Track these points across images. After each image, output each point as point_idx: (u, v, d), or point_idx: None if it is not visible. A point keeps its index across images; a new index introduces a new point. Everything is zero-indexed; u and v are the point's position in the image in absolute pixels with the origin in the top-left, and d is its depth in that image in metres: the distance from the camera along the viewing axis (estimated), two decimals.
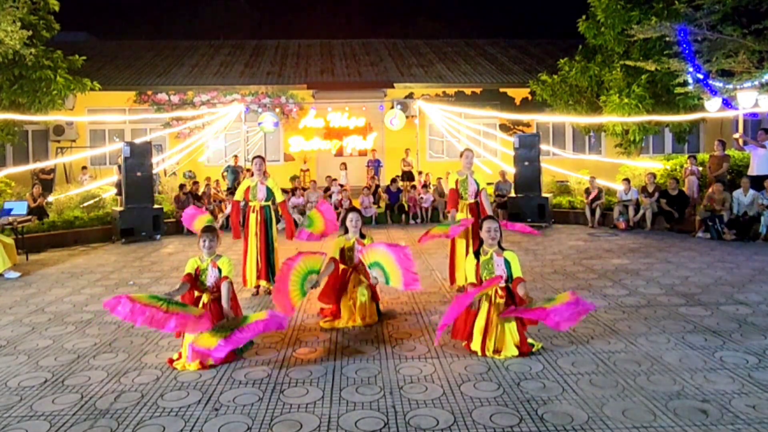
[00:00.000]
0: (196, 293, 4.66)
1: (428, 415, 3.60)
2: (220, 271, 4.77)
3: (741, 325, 5.25)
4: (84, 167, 16.60)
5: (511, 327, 4.55)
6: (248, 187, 6.99)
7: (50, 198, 13.07)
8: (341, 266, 5.74)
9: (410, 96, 18.91)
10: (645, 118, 13.60)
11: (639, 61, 13.28)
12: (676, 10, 12.53)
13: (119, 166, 12.68)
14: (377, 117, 17.98)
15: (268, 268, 6.86)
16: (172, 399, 3.93)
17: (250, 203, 6.95)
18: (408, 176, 16.09)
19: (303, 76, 20.18)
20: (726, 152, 11.75)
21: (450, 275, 6.95)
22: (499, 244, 4.85)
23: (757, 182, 10.31)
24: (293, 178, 16.40)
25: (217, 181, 15.21)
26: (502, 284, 4.67)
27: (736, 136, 12.22)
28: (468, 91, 19.51)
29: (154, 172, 13.06)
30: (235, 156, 16.87)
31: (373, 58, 22.60)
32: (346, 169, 16.73)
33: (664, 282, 6.98)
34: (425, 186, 14.28)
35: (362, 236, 5.84)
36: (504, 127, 18.86)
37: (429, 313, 5.91)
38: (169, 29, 30.54)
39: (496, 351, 4.55)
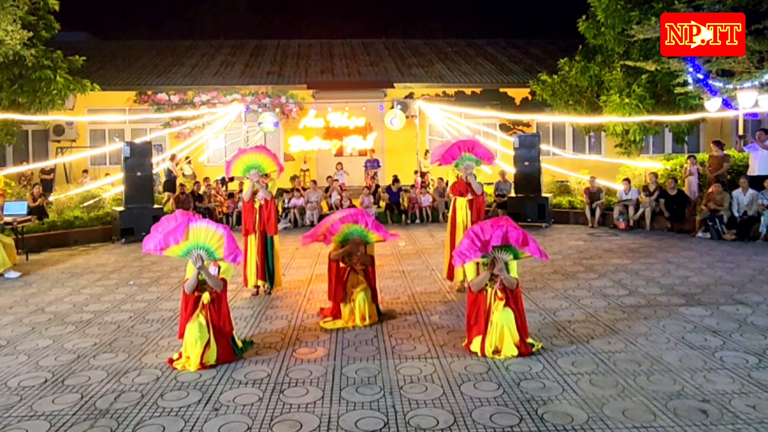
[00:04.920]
0: (196, 293, 4.66)
1: (428, 415, 3.60)
2: (220, 269, 4.77)
3: (741, 325, 5.25)
4: (85, 170, 16.60)
5: (511, 327, 4.55)
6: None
7: (50, 198, 13.07)
8: (341, 265, 5.75)
9: (410, 96, 18.90)
10: (645, 118, 13.59)
11: (639, 61, 13.27)
12: (676, 10, 12.52)
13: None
14: (377, 117, 17.97)
15: (266, 267, 6.85)
16: (172, 399, 3.93)
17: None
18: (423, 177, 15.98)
19: (303, 76, 20.17)
20: (725, 152, 11.75)
21: (448, 271, 6.94)
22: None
23: (757, 182, 10.31)
24: (293, 178, 16.39)
25: (216, 180, 15.18)
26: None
27: (745, 136, 12.26)
28: (468, 91, 19.51)
29: (153, 172, 13.05)
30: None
31: (373, 58, 22.59)
32: (342, 169, 16.72)
33: (664, 282, 6.98)
34: (423, 186, 14.26)
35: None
36: (504, 127, 18.85)
37: (429, 313, 5.91)
38: (169, 29, 30.55)
39: (496, 351, 4.56)
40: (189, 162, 16.73)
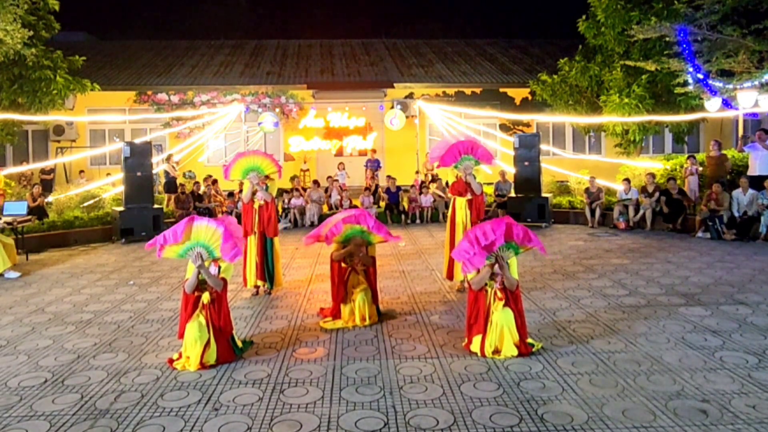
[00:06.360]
0: (196, 293, 4.66)
1: (428, 415, 3.60)
2: (220, 269, 4.77)
3: (741, 325, 5.25)
4: (81, 171, 16.59)
5: (511, 327, 4.55)
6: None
7: (50, 198, 13.07)
8: (342, 265, 5.75)
9: (410, 96, 18.90)
10: (645, 118, 13.60)
11: (639, 61, 13.27)
12: (676, 10, 12.52)
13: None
14: (377, 117, 17.97)
15: (265, 268, 6.85)
16: (172, 399, 3.93)
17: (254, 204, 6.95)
18: (432, 179, 15.91)
19: (303, 76, 20.17)
20: (722, 152, 11.76)
21: (448, 270, 6.94)
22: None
23: (757, 182, 10.31)
24: (293, 178, 16.38)
25: (215, 179, 15.18)
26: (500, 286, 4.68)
27: (748, 136, 12.29)
28: (468, 91, 19.51)
29: (153, 172, 13.05)
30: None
31: (373, 58, 22.59)
32: (344, 169, 16.70)
33: (664, 282, 6.98)
34: (422, 186, 14.24)
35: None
36: (504, 127, 18.85)
37: (429, 313, 5.91)
38: (169, 29, 30.56)
39: (496, 351, 4.56)
40: (176, 163, 16.25)
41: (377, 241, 5.89)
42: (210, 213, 12.92)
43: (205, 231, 4.66)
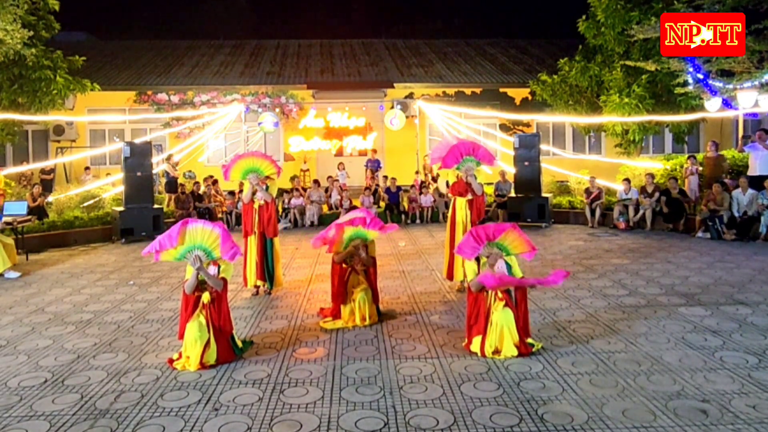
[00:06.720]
0: (196, 293, 4.66)
1: (428, 415, 3.60)
2: (220, 268, 4.77)
3: (741, 325, 5.25)
4: (87, 167, 16.62)
5: (511, 327, 4.55)
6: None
7: (50, 198, 13.07)
8: (343, 266, 5.74)
9: (410, 96, 18.90)
10: (645, 118, 13.60)
11: (639, 61, 13.28)
12: (676, 10, 12.52)
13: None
14: (377, 117, 17.96)
15: (265, 268, 6.85)
16: (172, 399, 3.93)
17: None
18: (433, 180, 15.93)
19: (303, 76, 20.17)
20: (720, 152, 11.76)
21: (448, 270, 6.94)
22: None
23: (757, 182, 10.31)
24: (293, 178, 16.37)
25: (215, 179, 15.18)
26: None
27: (749, 136, 12.33)
28: (468, 91, 19.50)
29: (154, 172, 13.05)
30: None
31: (373, 58, 22.59)
32: (344, 169, 16.70)
33: (664, 282, 6.98)
34: (422, 186, 14.24)
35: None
36: (504, 127, 18.84)
37: (429, 313, 5.91)
38: (169, 29, 30.53)
39: (496, 351, 4.56)
40: (176, 164, 16.20)
41: (374, 236, 5.87)
42: (210, 213, 12.93)
43: (201, 233, 4.66)
